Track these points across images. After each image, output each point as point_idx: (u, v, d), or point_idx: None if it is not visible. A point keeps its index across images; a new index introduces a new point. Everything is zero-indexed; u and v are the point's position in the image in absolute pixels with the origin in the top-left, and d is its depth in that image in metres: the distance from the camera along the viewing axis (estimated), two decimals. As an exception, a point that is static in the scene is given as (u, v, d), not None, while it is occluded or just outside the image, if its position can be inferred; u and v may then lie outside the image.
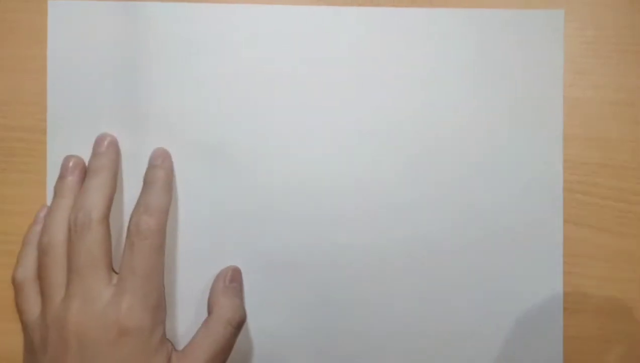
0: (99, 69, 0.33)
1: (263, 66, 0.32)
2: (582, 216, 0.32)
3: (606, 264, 0.32)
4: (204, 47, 0.33)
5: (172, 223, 0.33)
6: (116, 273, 0.30)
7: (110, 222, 0.30)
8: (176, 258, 0.33)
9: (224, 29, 0.32)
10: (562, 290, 0.32)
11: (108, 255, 0.29)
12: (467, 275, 0.32)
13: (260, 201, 0.33)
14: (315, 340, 0.33)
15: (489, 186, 0.32)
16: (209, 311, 0.31)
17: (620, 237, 0.32)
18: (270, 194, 0.33)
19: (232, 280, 0.32)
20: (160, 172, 0.31)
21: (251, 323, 0.33)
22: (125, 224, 0.32)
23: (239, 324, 0.31)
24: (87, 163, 0.32)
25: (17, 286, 0.31)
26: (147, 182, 0.31)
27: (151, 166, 0.32)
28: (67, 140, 0.33)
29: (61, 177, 0.32)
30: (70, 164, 0.32)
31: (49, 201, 0.33)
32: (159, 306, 0.29)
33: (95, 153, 0.32)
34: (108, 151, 0.32)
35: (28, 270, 0.31)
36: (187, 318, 0.33)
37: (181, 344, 0.31)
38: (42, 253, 0.30)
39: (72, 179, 0.32)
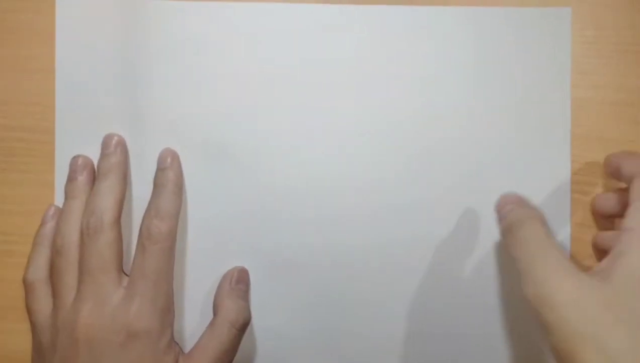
0: (106, 68, 0.33)
1: (267, 65, 0.32)
2: (582, 216, 0.32)
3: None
4: (210, 46, 0.32)
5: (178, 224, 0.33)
6: (126, 275, 0.30)
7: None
8: (182, 259, 0.33)
9: (231, 27, 0.32)
10: None
11: (119, 257, 0.30)
12: (472, 276, 0.32)
13: (264, 202, 0.33)
14: (318, 340, 0.33)
15: (494, 186, 0.31)
16: (214, 313, 0.31)
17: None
18: (274, 195, 0.32)
19: (238, 281, 0.32)
20: (170, 174, 0.31)
21: (255, 323, 0.33)
22: (133, 224, 0.32)
23: (243, 326, 0.31)
24: (95, 162, 0.33)
25: (27, 287, 0.31)
26: (157, 185, 0.31)
27: (160, 169, 0.32)
28: (75, 139, 0.33)
29: (71, 178, 0.32)
30: (79, 164, 0.32)
31: (55, 200, 0.33)
32: (168, 309, 0.30)
33: (103, 154, 0.32)
34: (116, 151, 0.32)
35: (39, 270, 0.31)
36: (193, 319, 0.33)
37: (187, 345, 0.31)
38: (56, 255, 0.30)
39: (82, 180, 0.32)
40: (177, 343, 0.31)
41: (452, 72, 0.32)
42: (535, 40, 0.31)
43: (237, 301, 0.31)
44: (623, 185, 0.30)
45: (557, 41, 0.31)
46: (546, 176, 0.32)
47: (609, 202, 0.30)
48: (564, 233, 0.32)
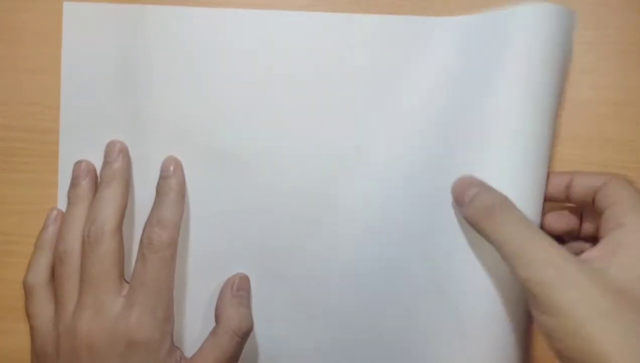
0: (111, 72, 0.32)
1: (269, 71, 0.32)
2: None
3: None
4: (213, 51, 0.32)
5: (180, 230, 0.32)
6: (128, 282, 0.30)
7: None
8: (184, 265, 0.33)
9: (235, 34, 0.32)
10: None
11: (120, 266, 0.30)
12: (479, 289, 0.30)
13: (266, 208, 0.32)
14: (320, 348, 0.33)
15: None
16: (216, 321, 0.31)
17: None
18: (277, 201, 0.32)
19: (239, 289, 0.32)
20: (172, 182, 0.31)
21: (257, 330, 0.33)
22: (135, 231, 0.32)
23: (245, 334, 0.31)
24: (98, 168, 0.33)
25: (27, 291, 0.31)
26: (159, 194, 0.31)
27: (163, 177, 0.32)
28: (79, 141, 0.33)
29: (73, 184, 0.32)
30: (82, 170, 0.32)
31: (58, 203, 0.33)
32: (168, 318, 0.30)
33: (106, 162, 0.32)
34: (119, 158, 0.32)
35: (40, 275, 0.31)
36: (195, 326, 0.33)
37: (189, 352, 0.31)
38: (58, 262, 0.31)
39: (84, 186, 0.32)
40: (178, 348, 0.31)
41: (455, 81, 0.31)
42: (539, 39, 0.30)
43: (239, 309, 0.31)
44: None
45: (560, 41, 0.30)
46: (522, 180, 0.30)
47: (563, 219, 0.30)
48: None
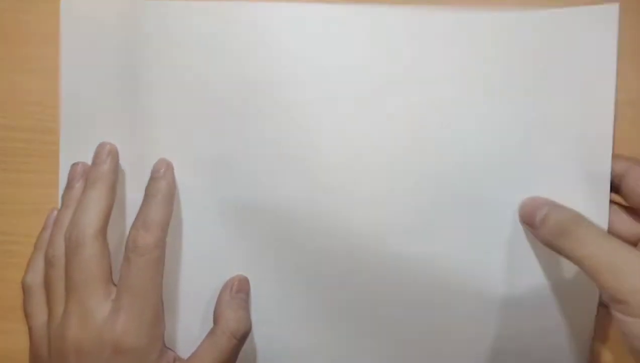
0: (110, 70, 0.32)
1: (274, 67, 0.31)
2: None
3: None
4: (216, 48, 0.31)
5: (178, 231, 0.32)
6: (116, 286, 0.30)
7: (112, 232, 0.30)
8: (182, 265, 0.33)
9: (240, 28, 0.31)
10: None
11: (105, 269, 0.29)
12: (493, 296, 0.31)
13: (267, 210, 0.32)
14: (321, 351, 0.33)
15: (530, 187, 0.30)
16: (215, 322, 0.31)
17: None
18: (277, 203, 0.32)
19: (238, 290, 0.32)
20: (162, 183, 0.31)
21: (257, 333, 0.33)
22: (126, 233, 0.31)
23: (243, 336, 0.31)
24: None
25: (25, 291, 0.31)
26: (147, 195, 0.31)
27: (152, 178, 0.31)
28: (80, 141, 0.33)
29: (68, 186, 0.32)
30: (77, 172, 0.32)
31: (59, 203, 0.33)
32: (156, 322, 0.29)
33: (94, 163, 0.32)
34: (107, 161, 0.31)
35: (36, 276, 0.31)
36: (193, 326, 0.33)
37: (186, 352, 0.31)
38: (48, 265, 0.30)
39: (78, 188, 0.31)
40: (171, 350, 0.31)
41: (501, 76, 0.30)
42: (580, 41, 0.30)
43: (238, 311, 0.31)
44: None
45: (602, 41, 0.30)
46: (585, 184, 0.30)
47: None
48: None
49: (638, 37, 0.31)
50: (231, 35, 0.31)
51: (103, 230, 0.30)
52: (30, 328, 0.31)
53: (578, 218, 0.27)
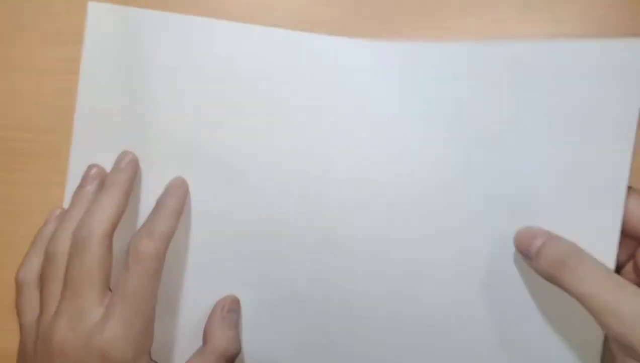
0: (127, 76, 0.32)
1: (281, 92, 0.31)
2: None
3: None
4: (232, 67, 0.32)
5: (171, 245, 0.32)
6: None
7: (118, 241, 0.30)
8: (173, 280, 0.33)
9: (257, 51, 0.31)
10: None
11: (105, 274, 0.29)
12: (491, 323, 0.31)
13: (266, 233, 0.32)
14: None
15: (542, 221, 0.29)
16: (204, 341, 0.31)
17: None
18: (280, 223, 0.32)
19: (230, 310, 0.32)
20: (173, 200, 0.31)
21: (252, 356, 0.33)
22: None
23: (232, 357, 0.31)
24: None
25: (18, 287, 0.31)
26: (156, 206, 0.31)
27: (165, 193, 0.31)
28: (91, 143, 0.33)
29: (80, 186, 0.32)
30: (91, 174, 0.32)
31: (64, 203, 0.33)
32: (145, 334, 0.29)
33: (113, 168, 0.32)
34: (127, 168, 0.31)
35: (31, 272, 0.31)
36: (181, 342, 0.32)
37: None
38: (46, 261, 0.30)
39: (89, 189, 0.31)
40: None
41: (498, 110, 0.30)
42: (606, 75, 0.28)
43: (228, 331, 0.31)
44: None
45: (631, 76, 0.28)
46: (596, 215, 0.29)
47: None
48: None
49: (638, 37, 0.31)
50: (246, 56, 0.31)
51: (111, 234, 0.29)
52: (20, 325, 0.30)
53: (577, 251, 0.27)
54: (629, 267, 0.29)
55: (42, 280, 0.30)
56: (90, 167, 0.32)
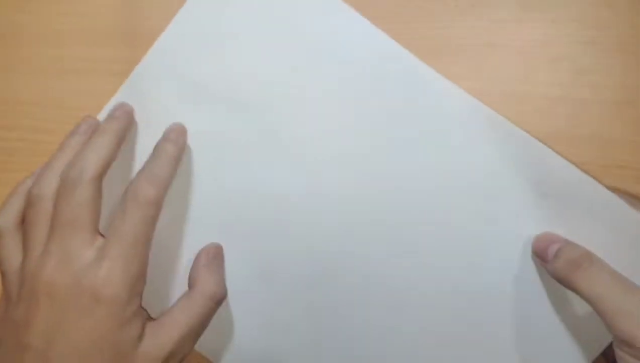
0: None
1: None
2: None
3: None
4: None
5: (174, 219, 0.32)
6: (102, 236, 0.28)
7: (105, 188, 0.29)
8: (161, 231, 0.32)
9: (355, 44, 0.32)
10: None
11: (94, 216, 0.28)
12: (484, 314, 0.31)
13: (264, 209, 0.32)
14: (312, 354, 0.32)
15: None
16: (191, 286, 0.31)
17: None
18: (281, 208, 0.32)
19: (215, 256, 0.32)
20: (173, 147, 0.31)
21: (254, 342, 0.33)
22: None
23: (220, 301, 0.30)
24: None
25: None
26: (155, 151, 0.30)
27: (164, 139, 0.31)
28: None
29: (71, 133, 0.31)
30: (86, 123, 0.31)
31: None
32: (139, 277, 0.28)
33: (108, 116, 0.31)
34: (121, 117, 0.31)
35: (10, 218, 0.30)
36: (168, 290, 0.32)
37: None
38: (29, 205, 0.29)
39: (79, 138, 0.30)
40: (145, 309, 0.29)
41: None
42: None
43: (215, 276, 0.31)
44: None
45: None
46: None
47: None
48: None
49: (638, 37, 0.31)
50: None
51: (101, 177, 0.28)
52: (2, 273, 0.29)
53: (590, 256, 0.28)
54: None
55: (26, 224, 0.29)
56: (85, 118, 0.32)
